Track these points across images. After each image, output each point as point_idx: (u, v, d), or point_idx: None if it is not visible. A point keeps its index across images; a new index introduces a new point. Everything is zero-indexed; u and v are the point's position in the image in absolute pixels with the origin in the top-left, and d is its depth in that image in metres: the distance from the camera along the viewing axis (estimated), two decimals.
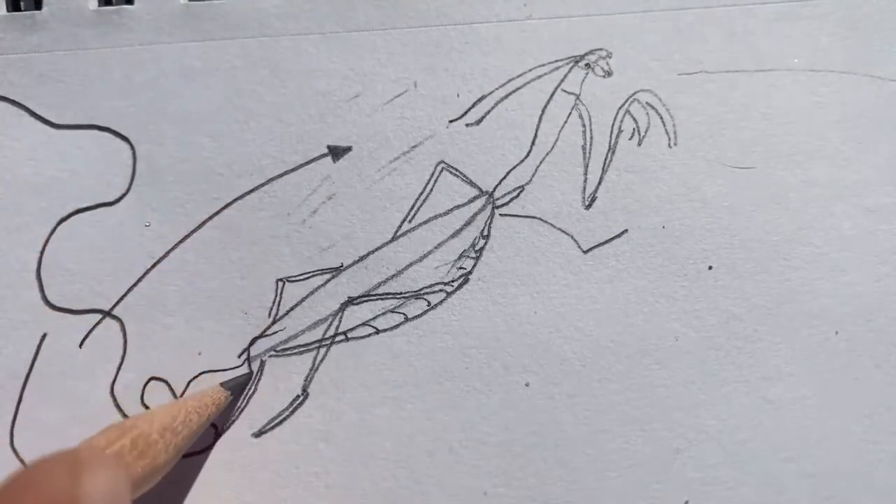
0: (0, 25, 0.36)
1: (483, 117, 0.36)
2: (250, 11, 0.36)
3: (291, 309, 0.36)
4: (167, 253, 0.36)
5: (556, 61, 0.36)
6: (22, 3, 0.36)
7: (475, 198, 0.36)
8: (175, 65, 0.36)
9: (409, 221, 0.36)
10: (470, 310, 0.36)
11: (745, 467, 0.35)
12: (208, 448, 0.35)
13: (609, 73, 0.36)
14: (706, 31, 0.36)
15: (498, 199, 0.36)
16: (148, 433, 0.29)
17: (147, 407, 0.35)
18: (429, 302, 0.36)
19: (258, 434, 0.35)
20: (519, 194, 0.36)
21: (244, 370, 0.35)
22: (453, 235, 0.36)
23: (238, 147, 0.36)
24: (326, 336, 0.36)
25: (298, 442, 0.35)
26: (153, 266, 0.36)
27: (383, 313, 0.36)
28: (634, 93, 0.36)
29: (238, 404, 0.35)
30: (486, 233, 0.36)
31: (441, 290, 0.36)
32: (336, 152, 0.36)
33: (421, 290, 0.36)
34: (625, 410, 0.35)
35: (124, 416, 0.35)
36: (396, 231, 0.36)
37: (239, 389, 0.35)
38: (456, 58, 0.36)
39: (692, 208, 0.36)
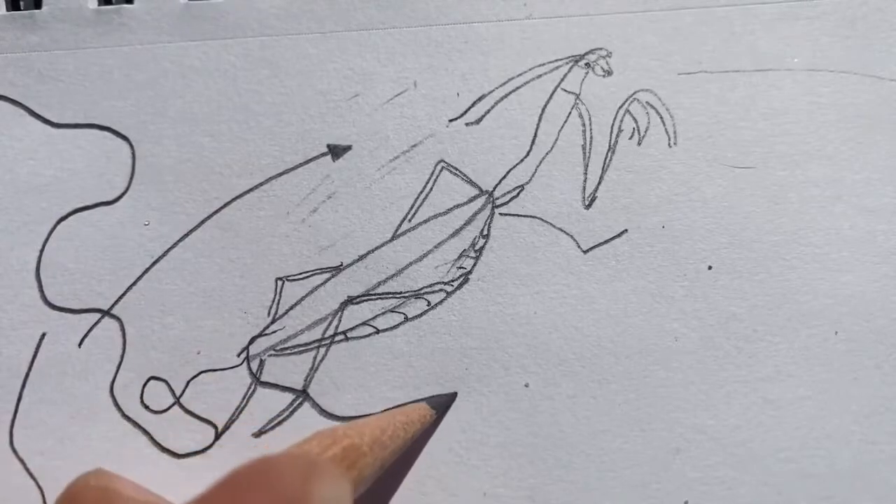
0: None
1: (483, 116, 0.36)
2: (250, 11, 0.36)
3: (291, 308, 0.36)
4: (166, 252, 0.36)
5: (556, 60, 0.36)
6: (21, 3, 0.36)
7: (475, 197, 0.36)
8: (175, 64, 0.36)
9: (409, 221, 0.36)
10: (470, 310, 0.36)
11: (745, 467, 0.35)
12: (208, 448, 0.35)
13: (609, 73, 0.36)
14: (706, 31, 0.36)
15: (498, 198, 0.36)
16: (359, 445, 0.28)
17: (147, 407, 0.35)
18: (429, 302, 0.36)
19: (258, 434, 0.35)
20: (519, 194, 0.36)
21: (244, 369, 0.35)
22: (453, 235, 0.36)
23: (238, 146, 0.36)
24: (326, 335, 0.36)
25: (297, 441, 0.35)
26: (152, 265, 0.36)
27: (383, 313, 0.36)
28: (634, 92, 0.36)
29: (240, 404, 0.35)
30: (485, 232, 0.36)
31: (441, 290, 0.36)
32: (336, 151, 0.36)
33: (421, 289, 0.36)
34: (625, 410, 0.35)
35: (124, 415, 0.35)
36: (396, 230, 0.36)
37: (443, 409, 0.35)
38: (456, 57, 0.36)
39: (692, 208, 0.36)
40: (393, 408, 0.35)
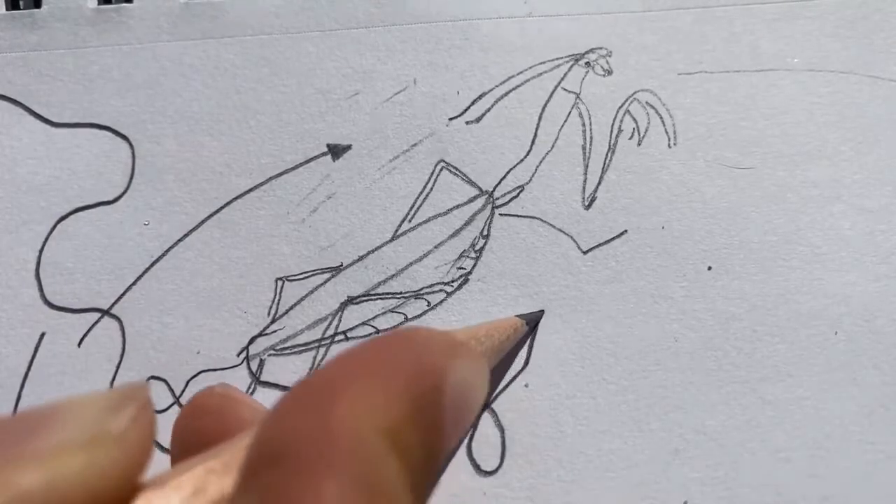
0: None
1: (483, 115, 0.36)
2: (249, 10, 0.36)
3: (291, 308, 0.36)
4: (166, 252, 0.36)
5: (557, 59, 0.36)
6: (21, 2, 0.36)
7: (475, 197, 0.36)
8: (174, 63, 0.36)
9: (409, 221, 0.36)
10: (470, 310, 0.36)
11: (745, 467, 0.35)
12: None
13: (609, 72, 0.36)
14: (706, 31, 0.36)
15: (498, 198, 0.36)
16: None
17: None
18: (429, 302, 0.36)
19: None
20: (519, 194, 0.36)
21: (244, 369, 0.35)
22: (453, 235, 0.36)
23: (237, 146, 0.36)
24: (326, 335, 0.36)
25: None
26: (152, 265, 0.36)
27: (383, 313, 0.36)
28: (634, 92, 0.36)
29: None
30: (485, 233, 0.36)
31: (441, 291, 0.36)
32: (336, 151, 0.36)
33: (421, 289, 0.36)
34: (624, 411, 0.35)
35: None
36: (396, 230, 0.36)
37: (533, 323, 0.35)
38: (456, 55, 0.36)
39: (692, 209, 0.36)
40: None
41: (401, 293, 0.36)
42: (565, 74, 0.36)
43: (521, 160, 0.36)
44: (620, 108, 0.36)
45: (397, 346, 0.20)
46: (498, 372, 0.35)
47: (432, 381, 0.20)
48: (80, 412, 0.18)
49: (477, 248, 0.36)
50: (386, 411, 0.18)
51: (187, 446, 0.25)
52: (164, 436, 0.35)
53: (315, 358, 0.35)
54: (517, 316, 0.35)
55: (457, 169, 0.36)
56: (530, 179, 0.36)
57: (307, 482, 0.16)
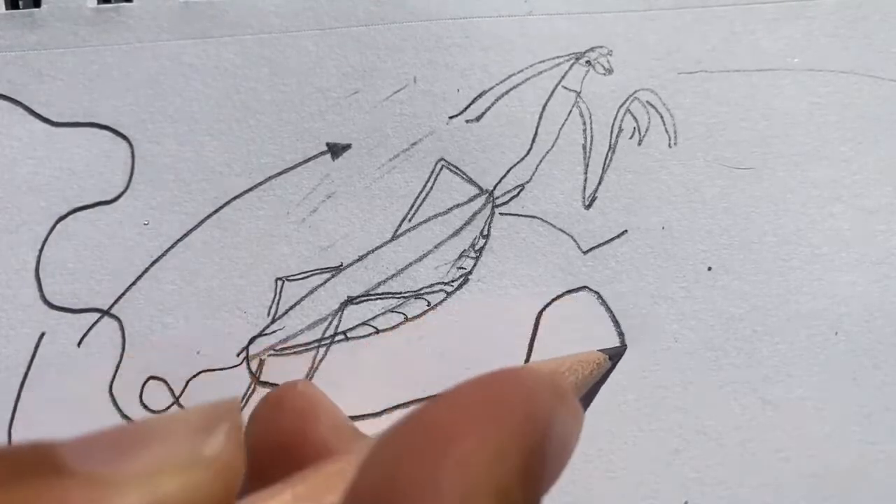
0: None
1: (483, 113, 0.36)
2: (249, 9, 0.36)
3: (291, 308, 0.36)
4: (166, 251, 0.36)
5: (557, 58, 0.36)
6: (20, 1, 0.36)
7: (475, 196, 0.36)
8: (174, 63, 0.36)
9: (409, 220, 0.36)
10: (469, 310, 0.36)
11: (745, 467, 0.35)
12: None
13: (610, 71, 0.36)
14: (706, 31, 0.36)
15: (498, 198, 0.36)
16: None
17: (146, 406, 0.35)
18: (429, 302, 0.36)
19: None
20: (519, 193, 0.36)
21: (243, 369, 0.35)
22: (453, 235, 0.36)
23: (237, 145, 0.36)
24: (326, 335, 0.36)
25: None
26: (152, 265, 0.36)
27: (383, 313, 0.36)
28: (635, 91, 0.36)
29: (240, 405, 0.35)
30: (485, 232, 0.36)
31: (441, 290, 0.36)
32: (335, 150, 0.36)
33: (421, 289, 0.36)
34: (624, 411, 0.35)
35: (123, 415, 0.35)
36: (396, 230, 0.36)
37: (616, 358, 0.35)
38: (456, 53, 0.36)
39: (692, 209, 0.36)
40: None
41: (401, 293, 0.36)
42: (566, 73, 0.36)
43: (522, 159, 0.36)
44: (621, 107, 0.36)
45: (508, 391, 0.20)
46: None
47: (541, 432, 0.19)
48: (174, 432, 0.18)
49: (477, 247, 0.36)
50: (497, 468, 0.18)
51: (264, 443, 0.24)
52: None
53: (315, 358, 0.35)
54: (599, 350, 0.35)
55: (457, 168, 0.36)
56: (530, 179, 0.36)
57: None
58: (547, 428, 0.20)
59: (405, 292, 0.36)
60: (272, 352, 0.36)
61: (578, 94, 0.36)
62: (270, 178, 0.36)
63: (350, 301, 0.36)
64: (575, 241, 0.36)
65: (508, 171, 0.36)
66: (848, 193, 0.36)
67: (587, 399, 0.35)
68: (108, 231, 0.35)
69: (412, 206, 0.36)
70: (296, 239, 0.36)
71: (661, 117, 0.36)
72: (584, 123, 0.36)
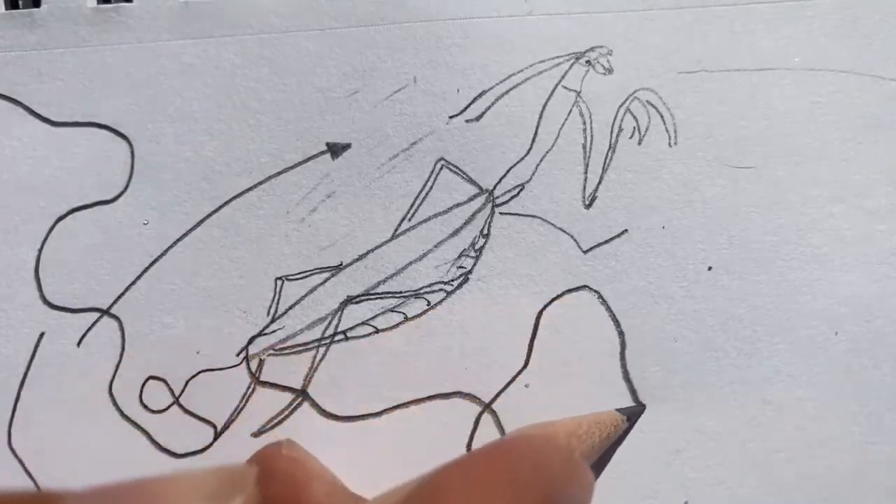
0: None
1: (483, 113, 0.36)
2: (249, 9, 0.36)
3: (290, 308, 0.36)
4: (165, 251, 0.36)
5: (557, 58, 0.36)
6: (20, 1, 0.36)
7: (475, 196, 0.36)
8: (173, 62, 0.36)
9: (409, 220, 0.36)
10: (470, 309, 0.36)
11: (745, 467, 0.35)
12: (207, 448, 0.35)
13: (610, 71, 0.36)
14: (706, 30, 0.36)
15: (498, 197, 0.36)
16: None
17: (146, 406, 0.35)
18: (428, 301, 0.36)
19: (257, 434, 0.35)
20: (519, 193, 0.36)
21: (243, 369, 0.35)
22: (453, 234, 0.36)
23: (237, 145, 0.36)
24: (326, 335, 0.36)
25: (297, 441, 0.35)
26: (151, 264, 0.36)
27: (383, 312, 0.36)
28: (635, 91, 0.36)
29: (239, 404, 0.35)
30: (485, 231, 0.36)
31: (441, 290, 0.35)
32: (335, 150, 0.36)
33: (420, 289, 0.36)
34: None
35: (123, 415, 0.35)
36: (396, 229, 0.36)
37: (635, 418, 0.35)
38: (456, 53, 0.36)
39: (692, 208, 0.36)
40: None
41: (400, 292, 0.36)
42: (566, 73, 0.36)
43: (522, 159, 0.36)
44: (621, 106, 0.36)
45: (520, 461, 0.20)
46: (595, 469, 0.35)
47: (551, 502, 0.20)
48: (185, 497, 0.18)
49: (477, 247, 0.36)
50: None
51: None
52: (162, 433, 0.35)
53: (314, 358, 0.35)
54: (617, 410, 0.34)
55: (457, 167, 0.36)
56: (531, 178, 0.36)
57: None
58: (557, 499, 0.20)
59: (405, 292, 0.36)
60: (272, 351, 0.35)
61: (578, 93, 0.36)
62: (270, 177, 0.36)
63: (350, 300, 0.36)
64: (575, 240, 0.36)
65: (508, 171, 0.36)
66: (848, 193, 0.36)
67: (604, 460, 0.35)
68: (108, 231, 0.35)
69: (412, 206, 0.36)
70: (295, 238, 0.36)
71: (662, 117, 0.36)
72: (584, 123, 0.36)
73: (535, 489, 0.19)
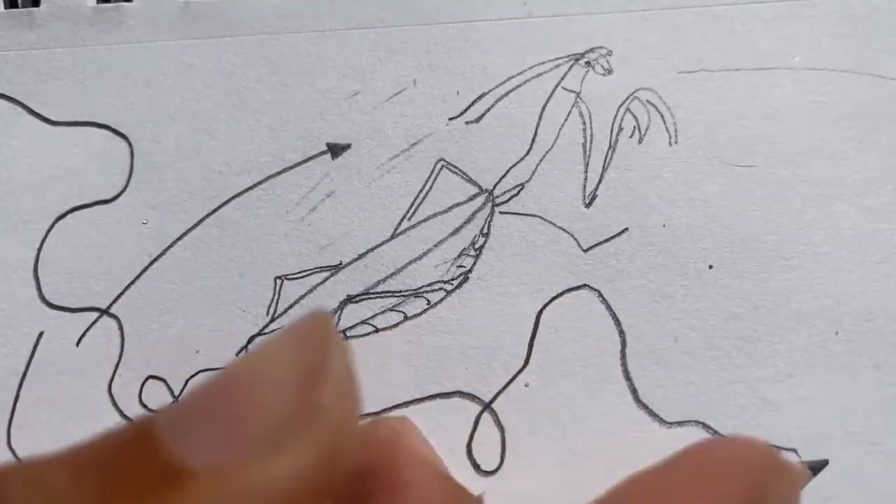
0: None
1: (483, 115, 0.36)
2: (249, 9, 0.36)
3: (290, 307, 0.36)
4: (165, 251, 0.36)
5: (556, 59, 0.36)
6: (19, 1, 0.36)
7: (475, 195, 0.36)
8: (173, 62, 0.36)
9: (409, 219, 0.36)
10: (470, 309, 0.35)
11: None
12: None
13: (609, 71, 0.36)
14: (706, 30, 0.36)
15: (498, 196, 0.36)
16: None
17: (145, 406, 0.35)
18: (428, 301, 0.36)
19: None
20: (519, 192, 0.36)
21: None
22: (453, 233, 0.36)
23: (236, 145, 0.36)
24: None
25: None
26: (151, 264, 0.36)
27: (382, 312, 0.36)
28: (634, 91, 0.36)
29: None
30: (485, 231, 0.36)
31: (441, 289, 0.35)
32: (335, 150, 0.36)
33: (420, 288, 0.36)
34: (625, 411, 0.35)
35: (122, 415, 0.35)
36: (396, 229, 0.36)
37: (817, 471, 0.34)
38: (456, 55, 0.36)
39: (692, 207, 0.36)
40: None
41: (400, 292, 0.36)
42: (565, 74, 0.36)
43: (522, 159, 0.36)
44: (621, 106, 0.36)
45: (726, 465, 0.20)
46: None
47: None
48: (276, 384, 0.15)
49: (477, 246, 0.36)
50: None
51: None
52: None
53: None
54: (801, 462, 0.34)
55: (457, 168, 0.36)
56: (531, 178, 0.36)
57: None
58: (764, 499, 0.19)
59: (405, 291, 0.36)
60: None
61: (578, 94, 0.36)
62: (270, 177, 0.36)
63: (349, 300, 0.36)
64: (575, 239, 0.36)
65: (508, 171, 0.36)
66: (849, 192, 0.36)
67: None
68: (107, 230, 0.35)
69: (412, 205, 0.36)
70: (295, 238, 0.36)
71: (662, 116, 0.36)
72: (584, 123, 0.36)
73: (746, 490, 0.19)
